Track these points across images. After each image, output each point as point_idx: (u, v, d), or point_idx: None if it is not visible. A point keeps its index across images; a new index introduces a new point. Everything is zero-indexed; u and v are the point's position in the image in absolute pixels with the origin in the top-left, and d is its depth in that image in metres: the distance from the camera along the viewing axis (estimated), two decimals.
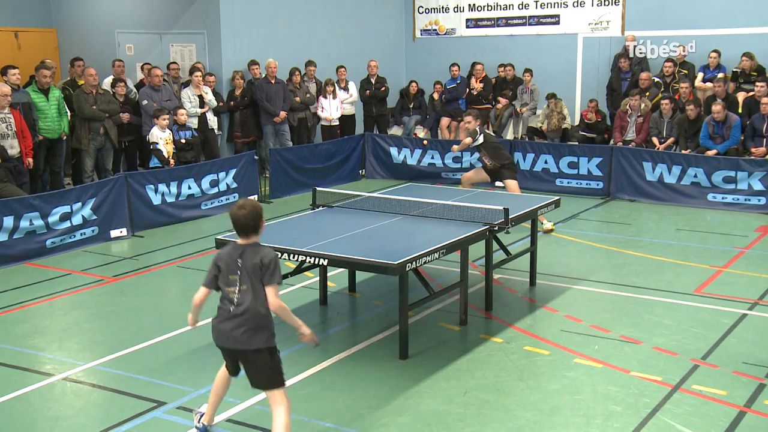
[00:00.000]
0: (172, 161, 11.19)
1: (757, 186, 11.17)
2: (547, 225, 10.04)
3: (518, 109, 15.25)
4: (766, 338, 6.55)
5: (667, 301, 7.53)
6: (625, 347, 6.42)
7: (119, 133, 11.84)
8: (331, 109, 14.22)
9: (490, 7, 16.50)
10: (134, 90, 12.83)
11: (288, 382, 5.72)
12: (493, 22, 16.53)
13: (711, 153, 11.78)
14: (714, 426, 5.10)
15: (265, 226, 4.76)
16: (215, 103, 12.79)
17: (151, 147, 11.23)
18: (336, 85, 14.37)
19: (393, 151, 14.02)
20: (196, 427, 5.10)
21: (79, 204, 9.57)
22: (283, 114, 13.39)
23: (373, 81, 15.13)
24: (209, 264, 4.80)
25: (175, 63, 13.32)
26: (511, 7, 16.27)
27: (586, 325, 6.91)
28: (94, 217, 9.75)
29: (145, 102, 12.02)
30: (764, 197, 11.14)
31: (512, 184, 10.08)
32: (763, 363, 5.96)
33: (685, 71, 13.88)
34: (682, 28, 14.53)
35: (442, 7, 17.03)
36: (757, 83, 12.20)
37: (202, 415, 5.09)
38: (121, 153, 12.30)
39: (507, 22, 16.35)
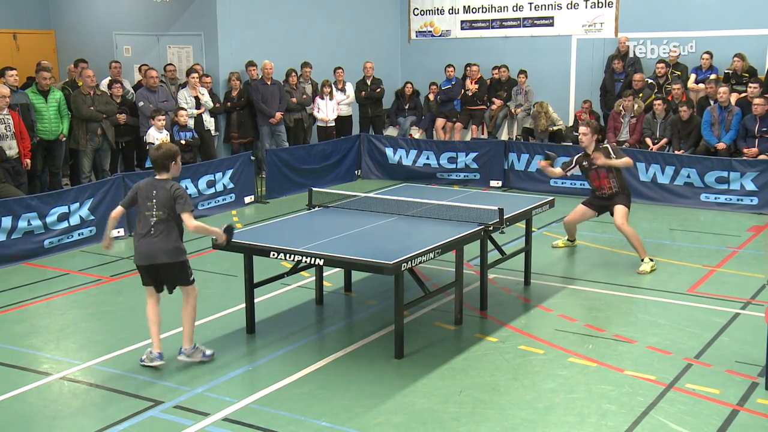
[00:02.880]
0: None
1: (750, 186, 11.25)
2: (645, 266, 8.50)
3: (513, 110, 15.32)
4: (758, 337, 6.58)
5: (661, 301, 7.59)
6: (619, 346, 6.48)
7: (116, 133, 11.88)
8: (328, 110, 14.26)
9: (484, 9, 16.56)
10: (131, 91, 12.87)
11: (284, 381, 5.83)
12: (487, 23, 16.59)
13: (721, 146, 11.86)
14: (707, 425, 5.15)
15: (180, 168, 6.02)
16: (211, 104, 12.82)
17: (148, 148, 11.26)
18: (333, 86, 14.42)
19: (389, 151, 14.07)
20: (151, 359, 6.01)
21: (77, 204, 9.60)
22: (279, 115, 13.42)
23: (368, 82, 15.17)
24: (130, 190, 6.09)
25: (171, 65, 13.35)
26: (505, 9, 16.34)
27: (581, 324, 6.97)
28: (92, 217, 9.78)
29: (141, 103, 12.05)
30: (756, 197, 11.21)
31: (623, 211, 8.59)
32: (755, 362, 6.01)
33: (678, 72, 13.97)
34: (674, 29, 14.63)
35: (437, 9, 17.09)
36: (750, 84, 12.29)
37: (151, 353, 6.07)
38: (119, 154, 12.34)
39: (501, 23, 16.42)
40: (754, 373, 5.87)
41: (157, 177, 5.95)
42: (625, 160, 8.59)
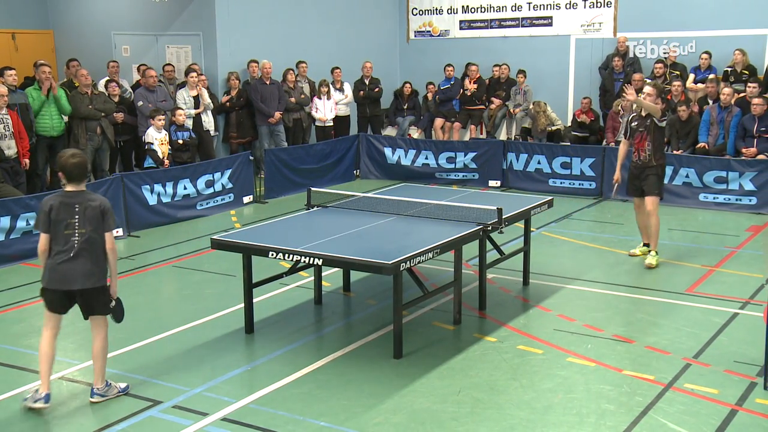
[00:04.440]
0: (166, 162, 11.23)
1: (748, 186, 11.26)
2: (651, 260, 8.61)
3: (511, 110, 15.32)
4: (757, 337, 6.58)
5: (660, 301, 7.60)
6: (617, 346, 6.48)
7: (114, 133, 11.87)
8: (326, 109, 14.26)
9: (483, 9, 16.56)
10: (129, 90, 12.87)
11: (283, 381, 5.82)
12: (486, 23, 16.59)
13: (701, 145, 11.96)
14: (706, 424, 5.15)
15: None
16: (212, 105, 12.81)
17: (146, 147, 11.27)
18: (331, 86, 14.42)
19: (387, 151, 14.07)
20: (35, 399, 5.34)
21: None
22: (278, 115, 13.42)
23: (366, 82, 15.17)
24: (40, 212, 5.32)
25: (170, 65, 13.35)
26: (504, 8, 16.34)
27: (579, 324, 6.97)
28: None
29: (140, 103, 12.06)
30: (755, 197, 11.22)
31: (655, 202, 8.61)
32: (754, 361, 6.01)
33: (677, 72, 13.98)
34: (673, 29, 14.64)
35: (436, 9, 17.09)
36: (749, 84, 12.29)
37: (38, 393, 5.37)
38: (117, 153, 12.34)
39: (500, 23, 16.42)
40: (753, 372, 5.87)
41: (73, 189, 5.25)
42: (655, 106, 8.49)
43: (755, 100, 11.80)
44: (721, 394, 5.56)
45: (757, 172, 11.20)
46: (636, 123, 8.74)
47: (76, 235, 5.20)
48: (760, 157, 11.55)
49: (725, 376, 5.85)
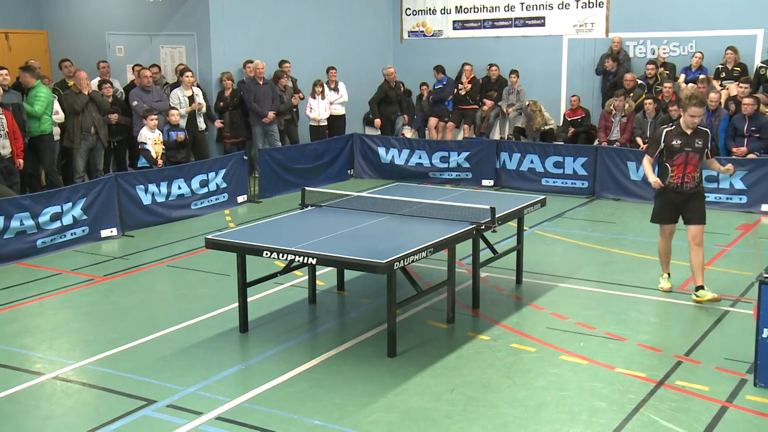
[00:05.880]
0: (160, 161, 11.24)
1: (739, 185, 11.32)
2: (708, 295, 7.40)
3: (504, 110, 15.37)
4: (747, 334, 6.61)
5: (652, 299, 7.64)
6: (609, 344, 6.52)
7: (108, 133, 11.87)
8: (320, 109, 14.28)
9: (476, 9, 16.61)
10: (121, 90, 12.88)
11: (277, 380, 5.85)
12: (479, 23, 16.64)
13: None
14: (696, 421, 5.19)
15: None
16: (204, 107, 12.80)
17: (140, 147, 11.28)
18: (326, 85, 14.44)
19: (381, 151, 14.11)
20: None
21: (70, 204, 9.59)
22: (271, 114, 13.44)
23: (392, 85, 15.13)
24: None
25: (156, 66, 13.34)
26: (497, 9, 16.39)
27: (572, 322, 7.01)
28: (85, 217, 9.78)
29: (135, 103, 12.07)
30: (746, 196, 11.29)
31: (701, 230, 7.39)
32: (744, 359, 6.06)
33: (667, 72, 14.06)
34: (665, 29, 14.71)
35: (429, 9, 17.14)
36: (740, 84, 12.36)
37: None
38: (111, 153, 12.34)
39: (493, 24, 16.48)
40: (743, 369, 5.92)
41: None
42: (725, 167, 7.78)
43: (746, 100, 11.87)
44: (711, 391, 5.60)
45: (748, 171, 11.27)
46: (680, 142, 7.28)
47: None
48: (751, 156, 11.63)
49: (716, 374, 5.90)
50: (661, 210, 7.54)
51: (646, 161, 7.59)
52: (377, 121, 15.07)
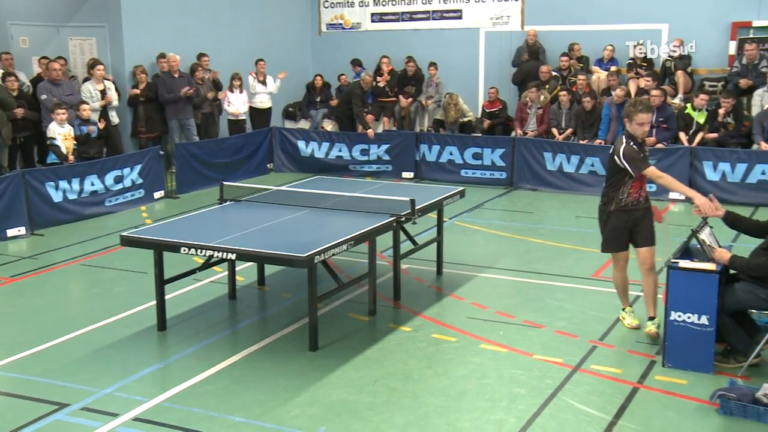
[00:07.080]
0: (71, 157, 10.86)
1: None
2: (631, 322, 6.72)
3: (424, 102, 15.48)
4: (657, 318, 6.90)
5: (568, 286, 7.84)
6: (528, 331, 6.66)
7: (14, 128, 11.37)
8: (238, 103, 14.08)
9: (394, 2, 16.67)
10: (27, 83, 12.36)
11: (197, 378, 5.74)
12: (397, 16, 16.70)
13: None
14: (610, 403, 5.36)
15: None
16: (117, 101, 12.43)
17: (49, 143, 10.86)
18: (254, 77, 14.26)
19: (301, 144, 14.02)
20: None
21: None
22: (185, 89, 12.98)
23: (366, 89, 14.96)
24: None
25: (62, 58, 12.86)
26: (415, 1, 16.49)
27: (492, 311, 7.13)
28: None
29: (44, 96, 11.60)
30: (654, 185, 11.67)
31: (649, 254, 6.52)
32: (654, 341, 6.29)
33: (581, 65, 14.45)
34: (577, 23, 15.08)
35: (348, 2, 17.10)
36: (645, 78, 12.80)
37: None
38: (18, 150, 11.82)
39: (411, 16, 16.57)
40: (653, 351, 6.15)
41: None
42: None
43: (653, 92, 12.29)
44: (624, 374, 5.79)
45: (656, 161, 11.66)
46: (642, 155, 6.48)
47: None
48: (659, 146, 12.05)
49: (628, 356, 6.11)
50: (613, 236, 6.50)
51: (663, 174, 6.71)
52: (369, 117, 14.67)
